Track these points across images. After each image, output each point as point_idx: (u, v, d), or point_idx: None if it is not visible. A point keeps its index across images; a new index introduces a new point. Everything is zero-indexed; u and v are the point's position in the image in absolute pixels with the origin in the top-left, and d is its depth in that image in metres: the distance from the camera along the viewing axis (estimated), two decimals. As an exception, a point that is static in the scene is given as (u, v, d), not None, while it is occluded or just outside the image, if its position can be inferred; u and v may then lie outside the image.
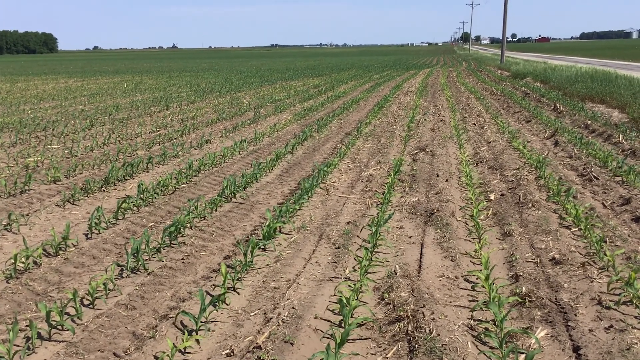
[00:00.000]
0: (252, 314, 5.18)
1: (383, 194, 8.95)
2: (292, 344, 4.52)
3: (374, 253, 6.55)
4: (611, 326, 4.74)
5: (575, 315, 4.99)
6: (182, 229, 7.21)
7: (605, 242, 6.60)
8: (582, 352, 4.40)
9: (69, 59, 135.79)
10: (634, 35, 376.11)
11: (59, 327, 4.87)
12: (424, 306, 5.06)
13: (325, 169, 10.36)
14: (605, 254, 6.13)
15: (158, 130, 15.99)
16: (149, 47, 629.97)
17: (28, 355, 4.48)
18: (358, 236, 7.27)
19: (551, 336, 4.68)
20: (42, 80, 41.07)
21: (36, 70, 61.58)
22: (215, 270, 6.21)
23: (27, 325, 4.83)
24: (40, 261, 6.28)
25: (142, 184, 8.84)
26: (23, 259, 6.12)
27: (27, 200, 8.73)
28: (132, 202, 8.28)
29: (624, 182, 9.39)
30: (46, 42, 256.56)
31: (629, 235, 7.03)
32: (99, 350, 4.54)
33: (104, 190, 9.39)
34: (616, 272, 5.71)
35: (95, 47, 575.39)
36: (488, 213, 8.09)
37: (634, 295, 5.14)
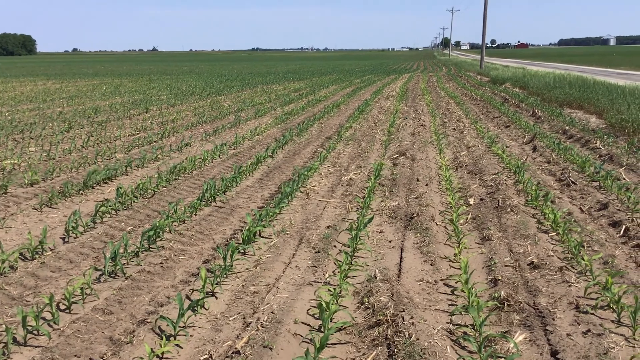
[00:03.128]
0: (231, 318, 5.15)
1: (363, 198, 8.95)
2: (271, 348, 4.50)
3: (353, 257, 6.55)
4: (589, 330, 4.78)
5: (553, 319, 5.02)
6: (161, 233, 7.16)
7: (583, 246, 6.66)
8: (560, 356, 4.43)
9: (47, 61, 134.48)
10: (612, 42, 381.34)
11: (35, 332, 4.80)
12: (404, 310, 5.07)
13: (305, 173, 10.35)
14: (582, 259, 6.18)
15: (137, 134, 15.88)
16: (129, 50, 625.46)
17: (3, 360, 4.41)
18: (338, 240, 7.26)
19: (529, 340, 4.70)
20: (20, 82, 40.61)
21: (14, 72, 60.89)
22: (195, 274, 6.17)
23: (2, 330, 4.76)
24: (17, 265, 6.20)
25: (121, 187, 8.77)
26: (-2, 263, 6.03)
27: (3, 203, 8.61)
28: (110, 206, 8.21)
29: (601, 187, 9.49)
30: (25, 44, 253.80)
31: (606, 240, 7.10)
32: (75, 356, 4.48)
33: (82, 194, 9.30)
34: (593, 277, 5.76)
35: (75, 50, 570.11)
36: (467, 217, 8.12)
37: (611, 299, 5.18)
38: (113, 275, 6.08)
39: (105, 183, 10.05)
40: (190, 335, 4.86)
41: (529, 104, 22.49)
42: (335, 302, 5.28)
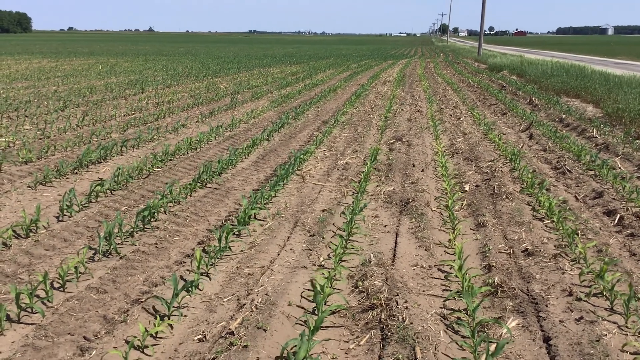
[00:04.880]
0: (225, 299, 5.15)
1: (359, 182, 8.95)
2: (265, 330, 4.51)
3: (348, 241, 6.55)
4: (581, 317, 4.80)
5: (546, 306, 5.04)
6: (156, 214, 7.14)
7: (577, 234, 6.67)
8: (552, 342, 4.45)
9: (43, 39, 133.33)
10: (610, 32, 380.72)
11: (29, 309, 4.80)
12: (398, 295, 5.08)
13: (301, 156, 10.33)
14: (577, 246, 6.20)
15: (133, 114, 15.80)
16: (125, 30, 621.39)
17: (-4, 337, 4.41)
18: (333, 224, 7.26)
19: (522, 326, 4.72)
20: (15, 60, 40.29)
21: (9, 50, 60.38)
22: (189, 255, 6.17)
23: (-5, 308, 4.75)
24: (10, 243, 6.18)
25: (119, 168, 8.73)
26: (-8, 241, 6.01)
27: (-3, 181, 8.57)
28: (105, 186, 8.18)
29: (597, 176, 9.51)
30: (20, 22, 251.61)
31: (600, 228, 7.13)
32: (68, 334, 4.48)
33: (76, 173, 9.26)
34: (587, 265, 5.78)
35: (70, 28, 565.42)
36: (462, 204, 8.13)
37: (604, 287, 5.20)
38: (107, 255, 6.07)
39: (100, 162, 10.01)
40: (185, 316, 4.87)
41: (526, 91, 22.46)
42: (330, 285, 5.29)
